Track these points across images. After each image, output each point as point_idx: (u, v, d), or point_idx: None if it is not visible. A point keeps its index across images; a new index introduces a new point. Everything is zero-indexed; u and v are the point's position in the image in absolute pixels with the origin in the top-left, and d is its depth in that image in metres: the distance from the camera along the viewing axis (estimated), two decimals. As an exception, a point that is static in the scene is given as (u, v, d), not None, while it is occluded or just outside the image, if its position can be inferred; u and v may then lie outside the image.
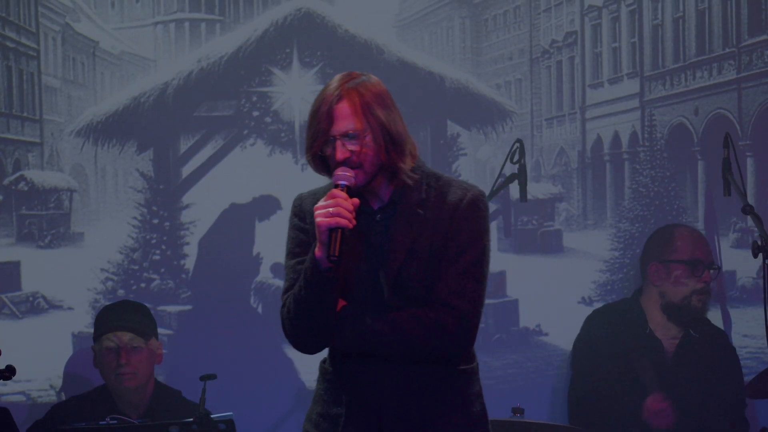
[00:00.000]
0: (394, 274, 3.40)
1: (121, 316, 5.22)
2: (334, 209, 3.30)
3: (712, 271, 5.54)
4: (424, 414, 3.42)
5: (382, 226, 3.45)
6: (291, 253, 3.49)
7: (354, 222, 3.32)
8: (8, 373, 4.00)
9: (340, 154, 3.37)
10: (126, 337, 5.17)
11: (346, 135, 3.38)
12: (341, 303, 3.41)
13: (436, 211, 3.43)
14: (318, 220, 3.31)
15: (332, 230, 3.30)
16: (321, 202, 3.34)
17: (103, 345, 5.19)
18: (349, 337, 3.41)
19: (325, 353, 3.56)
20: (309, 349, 3.50)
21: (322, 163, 3.44)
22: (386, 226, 3.45)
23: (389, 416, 3.42)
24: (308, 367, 3.66)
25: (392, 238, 3.42)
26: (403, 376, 3.42)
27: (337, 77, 3.46)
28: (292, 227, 3.52)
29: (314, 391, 3.58)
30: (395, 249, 3.41)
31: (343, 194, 3.33)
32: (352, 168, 3.37)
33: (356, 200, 3.36)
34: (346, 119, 3.38)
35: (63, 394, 5.77)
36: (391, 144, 3.40)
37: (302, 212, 3.50)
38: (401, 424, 3.42)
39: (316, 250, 3.34)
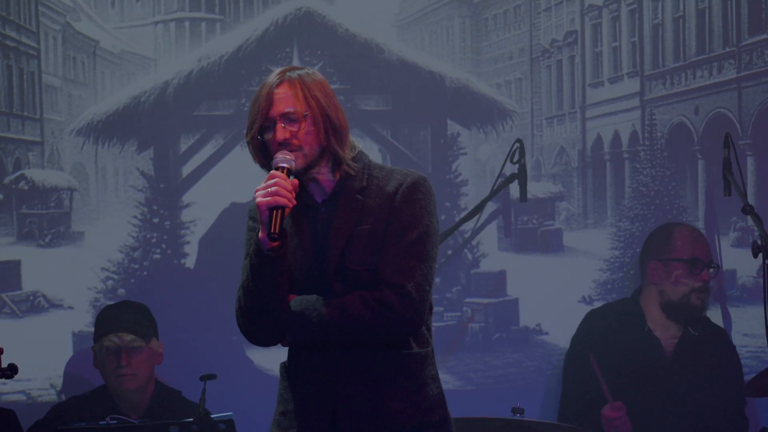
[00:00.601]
0: (336, 260, 3.42)
1: (121, 317, 5.21)
2: (273, 188, 3.31)
3: (711, 270, 5.54)
4: (379, 398, 3.43)
5: (326, 216, 3.47)
6: (246, 254, 3.49)
7: (294, 202, 3.34)
8: (10, 371, 4.00)
9: (280, 134, 3.39)
10: (127, 338, 5.17)
11: (286, 116, 3.40)
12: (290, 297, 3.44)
13: (376, 198, 3.45)
14: (258, 200, 3.34)
15: (272, 209, 3.31)
16: (262, 184, 3.36)
17: (103, 346, 5.19)
18: (300, 329, 3.42)
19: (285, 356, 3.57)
20: (262, 339, 3.51)
21: (262, 149, 3.46)
22: (330, 216, 3.46)
23: (344, 403, 3.43)
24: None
25: (333, 225, 3.44)
26: (355, 363, 3.42)
27: (279, 69, 3.50)
28: (247, 230, 3.53)
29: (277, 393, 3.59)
30: (336, 236, 3.43)
31: (282, 174, 3.35)
32: (291, 151, 3.39)
33: (295, 181, 3.38)
34: (286, 101, 3.41)
35: (63, 395, 5.77)
36: (332, 129, 3.43)
37: (255, 214, 3.49)
38: (356, 409, 3.43)
39: (260, 233, 3.35)
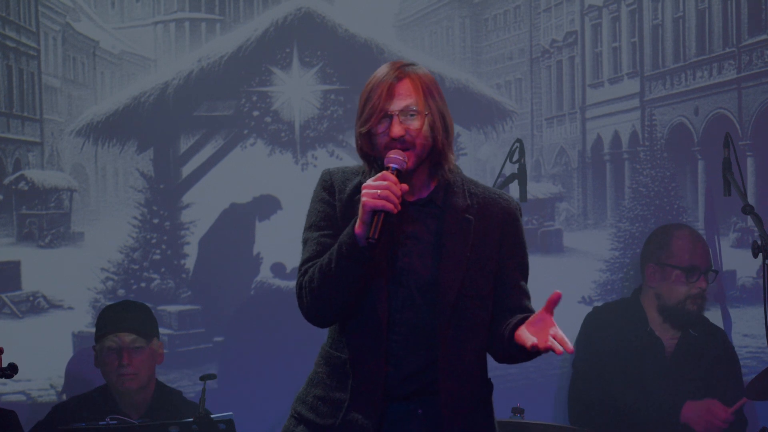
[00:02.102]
0: (457, 287, 3.39)
1: (123, 317, 5.21)
2: (382, 191, 3.26)
3: (710, 274, 5.54)
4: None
5: (416, 220, 3.44)
6: (315, 226, 3.45)
7: (399, 208, 3.29)
8: (10, 371, 4.00)
9: (397, 130, 3.35)
10: (128, 337, 5.17)
11: (406, 111, 3.36)
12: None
13: (482, 221, 3.44)
14: (364, 199, 3.27)
15: (375, 212, 3.27)
16: (370, 182, 3.30)
17: (105, 345, 5.19)
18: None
19: (325, 337, 3.55)
20: (322, 321, 3.47)
21: (369, 142, 3.41)
22: (424, 221, 3.44)
23: (394, 404, 3.42)
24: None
25: (447, 246, 3.41)
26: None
27: (389, 63, 3.45)
28: (319, 200, 3.48)
29: (311, 373, 3.55)
30: (453, 260, 3.40)
31: (394, 178, 3.29)
32: (404, 149, 3.35)
33: (405, 186, 3.32)
34: (408, 96, 3.37)
35: (65, 395, 5.76)
36: (445, 132, 3.40)
37: (332, 186, 3.46)
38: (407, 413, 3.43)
39: (356, 226, 3.30)
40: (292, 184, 5.88)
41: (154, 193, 5.98)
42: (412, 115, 3.36)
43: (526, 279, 3.51)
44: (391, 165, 3.33)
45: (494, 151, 6.16)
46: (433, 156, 3.41)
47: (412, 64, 3.45)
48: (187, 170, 6.04)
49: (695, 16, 6.23)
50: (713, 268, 5.58)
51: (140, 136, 5.98)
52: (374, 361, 3.40)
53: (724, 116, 6.22)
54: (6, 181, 5.95)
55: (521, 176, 5.10)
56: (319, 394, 3.49)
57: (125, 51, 6.06)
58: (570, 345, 3.20)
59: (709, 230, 6.12)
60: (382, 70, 3.43)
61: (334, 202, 3.45)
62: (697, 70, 6.25)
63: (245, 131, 6.03)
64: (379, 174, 3.31)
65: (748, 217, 5.06)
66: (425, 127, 3.37)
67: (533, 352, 3.26)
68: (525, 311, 3.45)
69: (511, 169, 5.13)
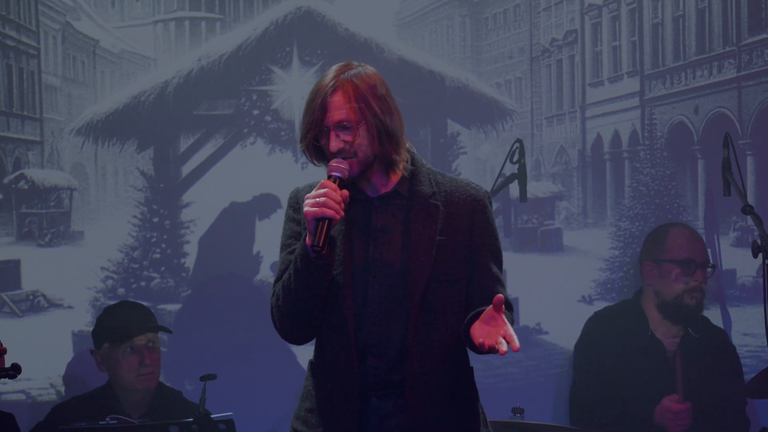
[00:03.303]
0: (427, 270, 3.42)
1: (143, 318, 5.25)
2: (321, 199, 3.31)
3: (708, 269, 5.55)
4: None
5: (384, 213, 3.46)
6: (284, 245, 3.51)
7: (342, 213, 3.33)
8: (13, 371, 4.00)
9: (334, 145, 3.39)
10: (151, 337, 5.22)
11: (339, 125, 3.39)
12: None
13: (449, 207, 3.46)
14: (305, 209, 3.32)
15: (319, 220, 3.31)
16: (312, 192, 3.35)
17: (123, 347, 5.18)
18: None
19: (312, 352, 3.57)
20: (297, 337, 3.52)
21: (317, 152, 3.46)
22: (392, 214, 3.46)
23: (372, 406, 3.44)
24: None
25: (414, 230, 3.44)
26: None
27: (334, 68, 3.47)
28: (288, 219, 3.53)
29: (302, 389, 3.58)
30: (422, 243, 3.43)
31: (333, 185, 3.34)
32: (346, 158, 3.39)
33: (345, 192, 3.36)
34: (339, 110, 3.39)
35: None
36: (386, 135, 3.42)
37: (297, 204, 3.50)
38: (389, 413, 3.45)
39: (307, 238, 3.35)
40: (292, 183, 5.78)
41: (154, 192, 5.98)
42: (347, 128, 3.39)
43: (498, 264, 3.52)
44: (334, 174, 3.37)
45: (494, 150, 6.16)
46: (382, 157, 3.44)
47: (350, 69, 3.46)
48: (187, 169, 6.04)
49: (695, 15, 6.23)
50: (711, 263, 5.59)
51: (140, 135, 5.98)
52: (346, 359, 3.43)
53: (723, 115, 6.22)
54: (6, 180, 5.95)
55: (521, 176, 5.10)
56: (309, 406, 3.52)
57: (125, 50, 6.06)
58: (517, 342, 3.25)
59: (708, 229, 6.12)
60: (325, 77, 3.45)
61: (300, 218, 3.46)
62: (697, 69, 6.24)
63: (245, 130, 6.03)
64: (320, 183, 3.36)
65: (748, 216, 5.07)
66: (362, 136, 3.40)
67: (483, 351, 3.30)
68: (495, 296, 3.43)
69: (511, 168, 5.14)
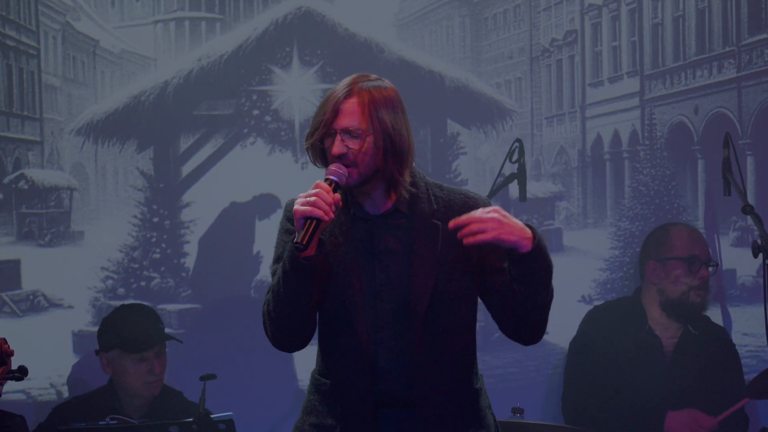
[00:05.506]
0: (430, 289, 3.39)
1: (157, 327, 5.24)
2: (312, 198, 3.27)
3: (711, 268, 5.55)
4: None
5: (387, 233, 3.43)
6: (278, 257, 3.45)
7: (332, 215, 3.28)
8: (20, 374, 4.00)
9: (337, 148, 3.35)
10: (161, 346, 5.22)
11: (347, 131, 3.35)
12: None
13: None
14: (295, 207, 3.29)
15: (307, 219, 3.27)
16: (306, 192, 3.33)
17: (135, 357, 5.17)
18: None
19: (314, 363, 3.56)
20: (288, 345, 3.48)
21: (320, 153, 3.43)
22: (394, 234, 3.43)
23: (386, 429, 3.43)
24: (308, 366, 3.63)
25: (416, 252, 3.41)
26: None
27: (353, 75, 3.44)
28: (284, 231, 3.49)
29: (305, 401, 3.56)
30: (424, 264, 3.40)
31: (327, 186, 3.30)
32: (346, 166, 3.35)
33: (338, 196, 3.32)
34: (350, 115, 3.36)
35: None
36: (391, 152, 3.37)
37: (292, 215, 3.43)
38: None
39: (295, 238, 3.31)
40: (292, 183, 5.85)
41: (154, 192, 5.98)
42: (354, 135, 3.35)
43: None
44: (331, 177, 3.33)
45: (494, 150, 6.16)
46: (384, 173, 3.39)
47: (369, 79, 3.43)
48: (187, 169, 6.04)
49: (695, 15, 6.23)
50: (714, 261, 5.60)
51: (140, 135, 5.98)
52: (361, 383, 3.41)
53: (723, 115, 6.22)
54: (6, 180, 5.95)
55: (521, 176, 5.10)
56: (313, 421, 3.50)
57: (125, 50, 6.06)
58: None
59: (709, 229, 6.12)
60: (340, 84, 3.42)
61: (294, 229, 3.41)
62: (697, 69, 6.24)
63: (245, 130, 6.03)
64: (315, 183, 3.33)
65: (748, 216, 5.07)
66: (367, 147, 3.35)
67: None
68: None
69: (510, 168, 5.13)
